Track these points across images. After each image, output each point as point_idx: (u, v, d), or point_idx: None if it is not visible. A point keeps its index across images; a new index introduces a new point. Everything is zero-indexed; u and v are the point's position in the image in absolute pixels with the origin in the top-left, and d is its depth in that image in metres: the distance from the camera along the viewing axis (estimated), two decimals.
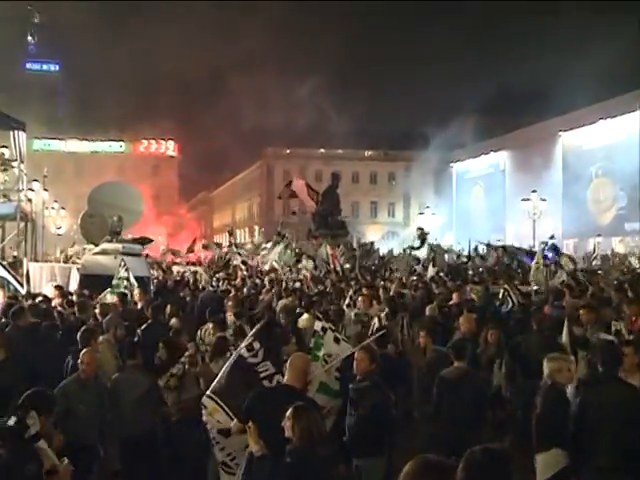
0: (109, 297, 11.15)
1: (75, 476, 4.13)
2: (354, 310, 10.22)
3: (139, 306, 10.91)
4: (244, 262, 23.23)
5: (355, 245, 27.74)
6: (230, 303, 10.47)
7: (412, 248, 27.19)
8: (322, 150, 68.65)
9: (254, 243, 35.51)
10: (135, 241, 17.17)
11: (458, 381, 6.22)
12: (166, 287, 16.50)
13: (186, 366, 6.95)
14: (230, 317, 9.46)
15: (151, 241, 19.82)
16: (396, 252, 28.99)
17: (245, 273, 19.98)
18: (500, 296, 11.55)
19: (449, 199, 62.78)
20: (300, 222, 36.56)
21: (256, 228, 58.92)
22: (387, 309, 9.65)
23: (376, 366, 5.82)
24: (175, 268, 24.76)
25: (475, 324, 8.27)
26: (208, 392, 5.34)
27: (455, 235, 52.31)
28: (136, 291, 11.50)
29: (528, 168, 48.91)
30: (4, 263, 15.17)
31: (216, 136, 64.32)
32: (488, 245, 28.14)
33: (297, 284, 15.72)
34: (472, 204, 60.35)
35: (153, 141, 77.99)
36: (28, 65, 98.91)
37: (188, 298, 14.35)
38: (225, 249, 29.16)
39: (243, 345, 5.59)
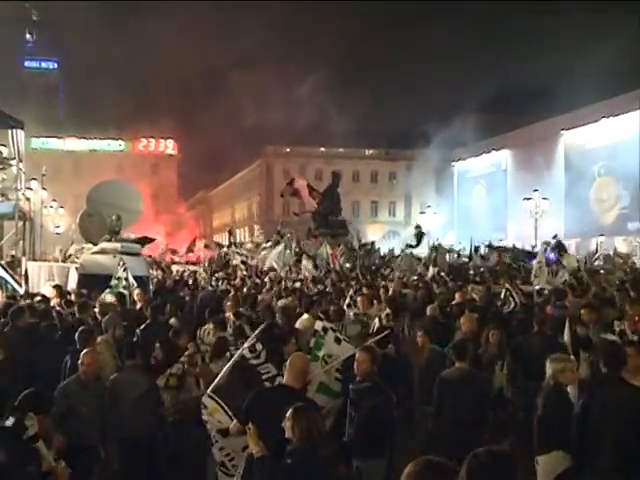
0: (109, 297, 11.10)
1: (76, 477, 4.17)
2: (354, 310, 10.17)
3: (138, 306, 10.84)
4: (243, 262, 23.21)
5: (356, 245, 27.59)
6: (229, 303, 10.43)
7: (410, 246, 27.10)
8: (322, 149, 68.52)
9: (254, 242, 35.38)
10: (137, 241, 17.16)
11: (459, 382, 6.19)
12: (165, 287, 16.41)
13: (185, 366, 6.90)
14: (229, 317, 9.41)
15: (153, 240, 19.68)
16: (397, 252, 28.91)
17: (245, 273, 19.93)
18: (502, 296, 11.48)
19: (450, 198, 62.67)
20: (300, 221, 36.29)
21: (256, 227, 58.70)
22: (388, 309, 9.54)
23: (376, 367, 5.79)
24: (174, 267, 24.67)
25: (476, 324, 8.23)
26: (208, 391, 5.32)
27: (456, 234, 52.17)
28: (136, 291, 11.43)
29: (530, 167, 48.79)
30: (2, 262, 15.28)
31: (215, 135, 64.40)
32: (489, 246, 28.00)
33: (297, 284, 15.63)
34: (473, 203, 60.27)
35: (152, 140, 77.77)
36: (26, 63, 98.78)
37: (187, 298, 14.31)
38: (226, 249, 28.99)
39: (246, 346, 5.58)
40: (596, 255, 26.91)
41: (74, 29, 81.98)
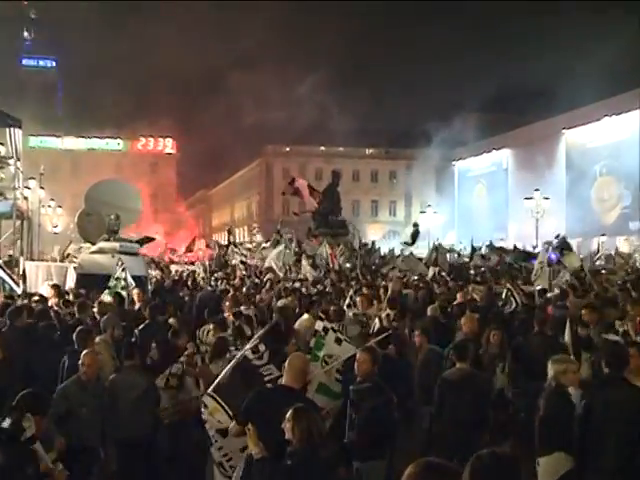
0: (107, 297, 11.02)
1: (76, 478, 4.25)
2: (353, 310, 10.13)
3: (137, 306, 10.77)
4: (243, 262, 23.15)
5: (356, 245, 27.49)
6: (227, 303, 10.40)
7: (406, 244, 27.04)
8: (322, 148, 68.42)
9: (253, 241, 35.29)
10: (140, 241, 17.16)
11: (460, 382, 6.18)
12: (164, 287, 16.33)
13: (184, 366, 6.90)
14: (229, 317, 9.37)
15: (153, 239, 19.54)
16: (397, 252, 28.92)
17: (244, 273, 19.87)
18: (503, 296, 11.47)
19: (451, 198, 62.64)
20: (300, 221, 36.13)
21: (255, 226, 58.55)
22: (389, 310, 9.52)
23: (377, 367, 5.77)
24: (173, 267, 24.56)
25: (477, 324, 8.20)
26: (209, 390, 5.30)
27: (457, 234, 52.16)
28: (135, 291, 11.34)
29: (531, 166, 48.70)
30: (0, 262, 14.98)
31: (215, 134, 64.18)
32: (490, 247, 27.89)
33: (297, 284, 15.59)
34: (474, 203, 60.24)
35: (151, 138, 77.59)
36: (24, 61, 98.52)
37: (187, 298, 14.30)
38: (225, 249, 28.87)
39: (248, 347, 5.61)
40: (598, 255, 26.83)
41: (72, 27, 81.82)
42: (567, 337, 7.25)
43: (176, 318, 9.51)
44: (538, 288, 13.05)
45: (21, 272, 14.52)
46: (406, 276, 17.79)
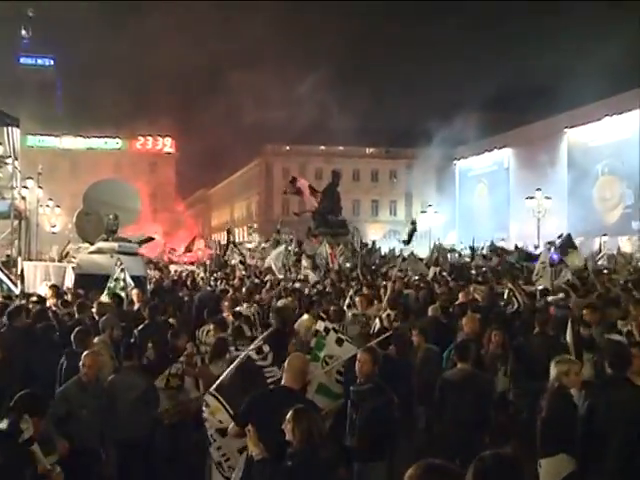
0: (106, 298, 10.99)
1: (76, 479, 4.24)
2: (353, 310, 10.13)
3: (136, 306, 10.72)
4: (242, 261, 23.15)
5: (357, 245, 27.40)
6: (226, 303, 10.37)
7: (404, 242, 27.01)
8: (322, 147, 68.32)
9: (252, 241, 35.21)
10: (141, 242, 17.31)
11: (461, 382, 6.18)
12: (163, 287, 16.26)
13: (183, 366, 6.91)
14: (228, 317, 9.35)
15: (152, 239, 19.52)
16: (397, 251, 28.89)
17: (243, 273, 19.82)
18: (505, 296, 11.47)
19: (452, 197, 62.62)
20: (300, 221, 36.01)
21: (255, 226, 58.38)
22: (390, 310, 9.51)
23: (377, 368, 5.77)
24: (172, 267, 24.52)
25: (479, 325, 8.18)
26: (211, 389, 5.28)
27: (458, 234, 52.10)
28: (134, 291, 11.27)
29: (533, 166, 48.61)
30: None
31: (214, 133, 63.91)
32: (492, 249, 27.78)
33: (297, 284, 15.55)
34: (475, 202, 60.20)
35: (150, 138, 77.37)
36: (22, 60, 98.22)
37: (186, 298, 14.27)
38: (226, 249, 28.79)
39: (252, 347, 5.64)
40: (600, 255, 26.70)
41: (71, 26, 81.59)
42: (569, 337, 7.27)
43: (175, 318, 9.52)
44: (540, 288, 13.02)
45: (19, 272, 14.52)
46: (407, 276, 17.82)
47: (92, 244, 16.13)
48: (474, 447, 5.51)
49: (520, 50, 73.19)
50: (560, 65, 58.08)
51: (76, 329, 7.25)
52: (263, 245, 29.19)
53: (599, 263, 24.03)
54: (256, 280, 17.23)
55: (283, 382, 4.92)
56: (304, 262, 19.70)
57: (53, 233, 40.49)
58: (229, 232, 34.94)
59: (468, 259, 26.88)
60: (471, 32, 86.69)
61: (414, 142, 59.63)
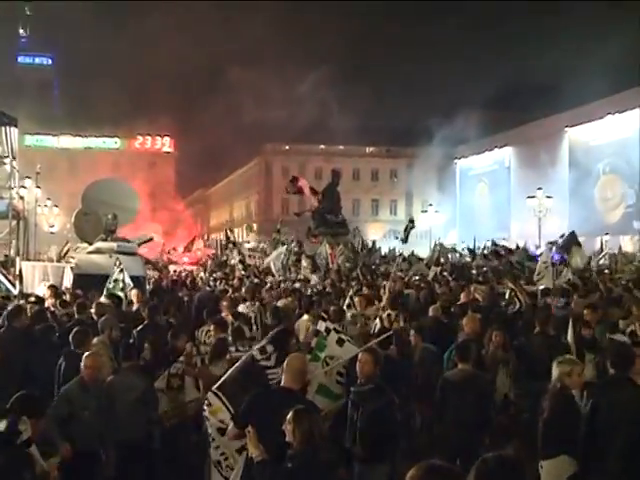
0: (105, 298, 10.91)
1: None
2: (352, 311, 10.14)
3: (135, 307, 10.73)
4: (241, 261, 23.09)
5: (357, 245, 27.31)
6: (225, 303, 10.35)
7: (402, 240, 26.96)
8: (322, 146, 68.19)
9: (251, 241, 35.16)
10: (143, 242, 17.20)
11: (462, 383, 6.17)
12: (162, 287, 16.31)
13: (183, 366, 6.91)
14: (227, 317, 9.31)
15: (152, 239, 19.45)
16: (398, 251, 28.69)
17: (243, 273, 19.75)
18: (507, 296, 11.41)
19: (452, 196, 62.57)
20: (300, 221, 35.88)
21: (254, 226, 58.23)
22: (390, 310, 9.44)
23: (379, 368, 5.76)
24: (171, 267, 24.44)
25: (479, 325, 8.16)
26: (214, 388, 5.26)
27: (459, 233, 51.99)
28: (133, 292, 11.25)
29: (534, 165, 48.50)
30: None
31: (213, 132, 63.63)
32: (494, 251, 27.64)
33: (297, 284, 15.56)
34: (476, 201, 60.14)
35: (149, 137, 77.32)
36: (20, 59, 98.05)
37: (186, 298, 14.28)
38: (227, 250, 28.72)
39: (256, 347, 5.68)
40: (601, 254, 26.59)
41: (69, 24, 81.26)
42: (570, 337, 7.26)
43: (174, 318, 9.58)
44: (541, 288, 12.98)
45: (17, 272, 14.40)
46: (407, 275, 17.80)
47: (91, 244, 16.08)
48: (475, 448, 5.54)
49: (520, 50, 73.29)
50: (561, 64, 58.01)
51: (75, 330, 7.22)
52: (262, 245, 29.10)
53: (600, 263, 23.95)
54: (256, 280, 17.17)
55: (282, 383, 4.88)
56: (304, 262, 19.67)
57: (51, 233, 40.43)
58: (229, 232, 34.85)
59: (469, 259, 26.76)
60: (471, 32, 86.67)
61: (414, 141, 59.46)
